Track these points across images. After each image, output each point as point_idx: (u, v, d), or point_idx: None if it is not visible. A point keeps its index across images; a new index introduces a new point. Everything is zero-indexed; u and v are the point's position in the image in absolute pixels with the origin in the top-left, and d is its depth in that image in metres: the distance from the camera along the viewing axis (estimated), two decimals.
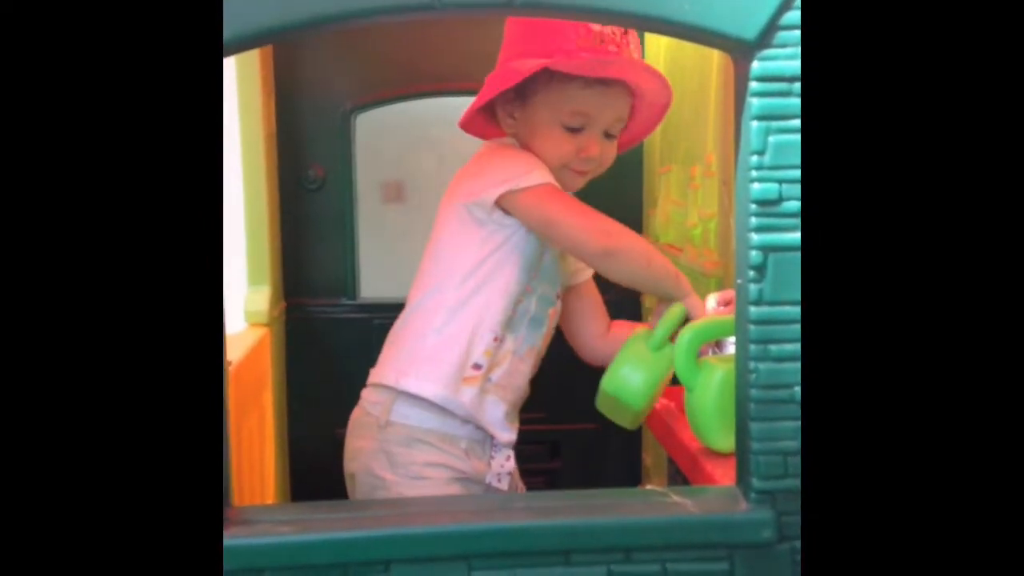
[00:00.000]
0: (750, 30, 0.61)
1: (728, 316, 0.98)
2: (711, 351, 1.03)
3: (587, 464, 1.76)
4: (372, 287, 1.75)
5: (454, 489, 1.05)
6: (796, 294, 0.63)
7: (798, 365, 0.63)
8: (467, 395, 1.05)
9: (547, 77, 1.02)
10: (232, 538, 0.62)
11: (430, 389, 1.04)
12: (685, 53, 1.37)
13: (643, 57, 1.21)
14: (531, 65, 1.00)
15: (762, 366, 0.65)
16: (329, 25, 0.59)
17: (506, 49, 1.08)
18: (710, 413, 0.89)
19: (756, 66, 0.62)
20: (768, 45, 0.62)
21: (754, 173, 0.63)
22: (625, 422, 1.02)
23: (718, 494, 0.70)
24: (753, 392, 0.65)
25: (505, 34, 1.08)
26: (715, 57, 1.24)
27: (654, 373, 0.98)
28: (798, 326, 0.63)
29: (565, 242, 1.03)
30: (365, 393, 1.11)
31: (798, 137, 0.62)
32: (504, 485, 1.10)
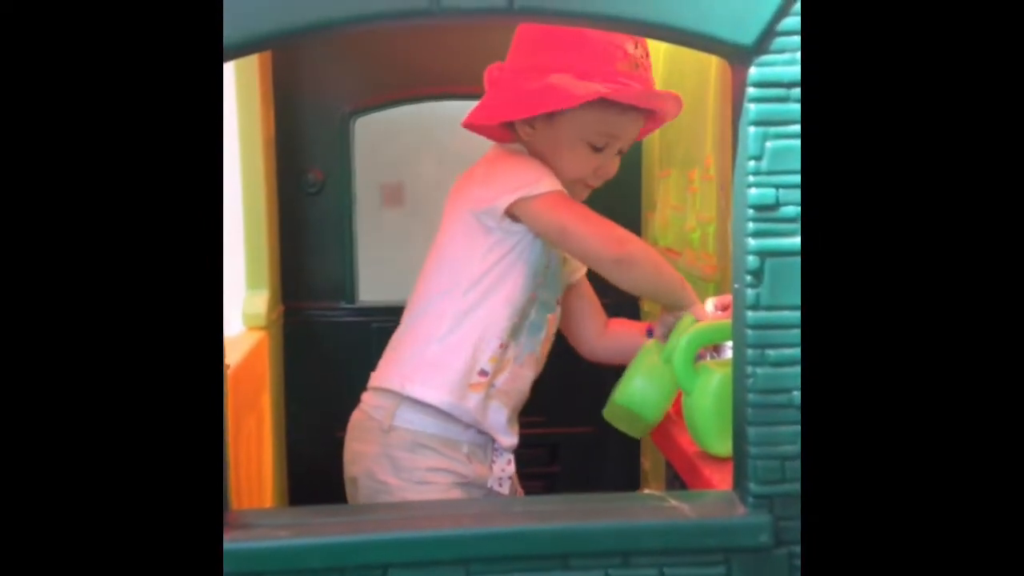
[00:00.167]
0: (748, 36, 0.62)
1: (726, 320, 0.98)
2: (709, 355, 1.03)
3: (585, 468, 1.76)
4: (371, 291, 1.75)
5: (457, 494, 1.05)
6: (793, 299, 0.63)
7: (796, 369, 0.64)
8: (473, 401, 1.05)
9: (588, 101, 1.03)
10: (230, 542, 0.62)
11: (436, 395, 1.04)
12: (684, 58, 1.37)
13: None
14: (588, 90, 1.00)
15: (759, 370, 0.65)
16: (329, 30, 0.59)
17: (534, 56, 1.06)
18: (708, 417, 0.89)
19: (754, 71, 0.62)
20: (766, 51, 0.62)
21: (751, 178, 0.64)
22: (634, 432, 1.03)
23: (716, 498, 0.70)
24: (751, 396, 0.65)
25: (529, 39, 1.07)
26: (714, 62, 1.24)
27: (667, 386, 0.98)
28: (795, 331, 0.63)
29: (577, 249, 1.03)
30: (367, 397, 1.11)
31: (796, 142, 0.62)
32: (505, 489, 1.10)
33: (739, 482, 0.68)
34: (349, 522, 0.65)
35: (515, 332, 1.07)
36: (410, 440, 1.05)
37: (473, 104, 1.11)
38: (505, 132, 1.13)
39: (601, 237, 0.99)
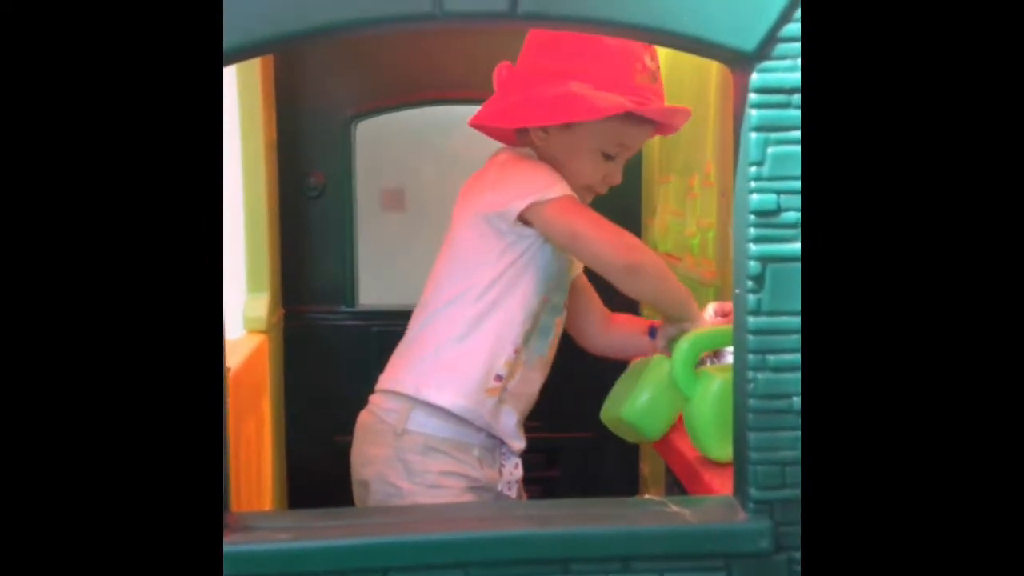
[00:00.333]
0: (749, 42, 0.62)
1: (726, 326, 0.98)
2: (709, 361, 1.03)
3: (584, 473, 1.76)
4: (371, 294, 1.75)
5: (469, 498, 1.05)
6: (794, 304, 0.63)
7: (796, 375, 0.64)
8: (487, 405, 1.06)
9: None
10: (230, 544, 0.62)
11: (452, 400, 1.04)
12: (684, 64, 1.37)
13: None
14: (613, 103, 1.01)
15: (760, 376, 0.65)
16: (332, 33, 0.59)
17: (551, 60, 1.06)
18: (708, 423, 0.89)
19: (755, 78, 0.63)
20: (767, 57, 0.62)
21: (753, 184, 0.64)
22: (632, 439, 1.03)
23: (716, 504, 0.70)
24: (751, 402, 0.65)
25: (546, 42, 1.07)
26: (714, 68, 1.24)
27: (675, 404, 0.98)
28: (796, 336, 0.63)
29: (588, 255, 1.03)
30: (376, 399, 1.11)
31: (797, 148, 0.62)
32: (513, 493, 1.10)
33: (739, 487, 0.68)
34: (349, 525, 0.65)
35: (528, 336, 1.07)
36: (423, 444, 1.05)
37: (475, 109, 1.11)
38: (512, 134, 1.13)
39: (612, 243, 1.00)
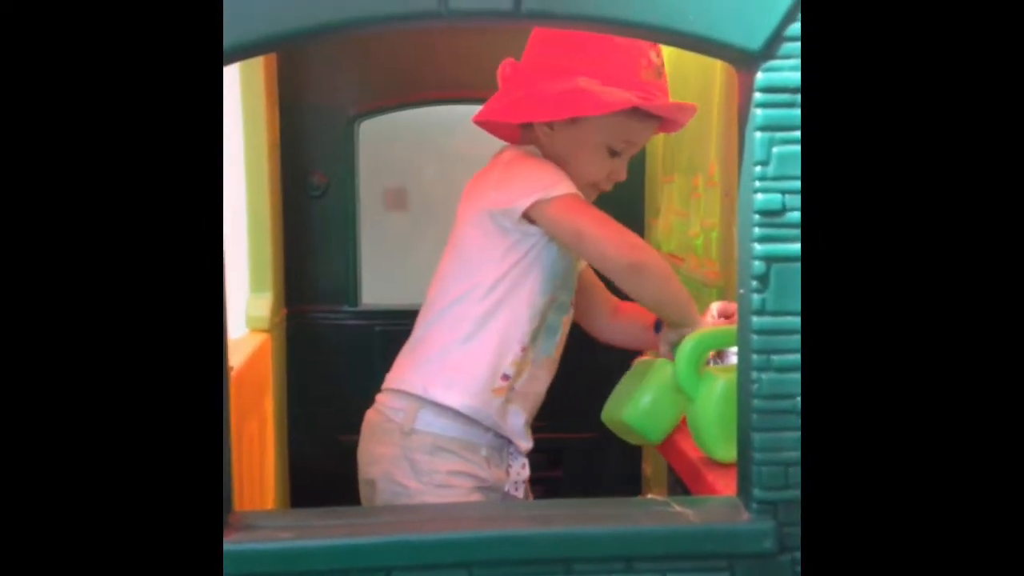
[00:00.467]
0: (755, 41, 0.62)
1: (729, 326, 0.98)
2: (712, 361, 1.03)
3: (587, 473, 1.75)
4: (374, 294, 1.75)
5: (476, 498, 1.05)
6: (799, 304, 0.63)
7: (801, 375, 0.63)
8: (495, 405, 1.05)
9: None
10: (233, 543, 0.62)
11: (459, 400, 1.04)
12: (688, 63, 1.37)
13: None
14: (620, 98, 1.01)
15: (764, 376, 0.65)
16: (337, 32, 0.59)
17: (557, 56, 1.06)
18: (712, 423, 0.89)
19: (760, 77, 0.62)
20: (772, 56, 0.62)
21: (757, 183, 0.64)
22: (634, 442, 1.03)
23: (719, 504, 0.70)
24: (755, 402, 0.65)
25: (551, 39, 1.07)
26: (718, 67, 1.24)
27: (677, 409, 0.98)
28: (801, 336, 0.63)
29: (592, 253, 1.03)
30: (383, 398, 1.11)
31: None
32: (520, 493, 1.10)
33: (743, 488, 0.68)
34: (352, 524, 0.65)
35: (535, 336, 1.07)
36: (431, 443, 1.04)
37: (478, 108, 1.11)
38: (516, 131, 1.13)
39: (617, 242, 0.99)
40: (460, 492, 1.04)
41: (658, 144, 1.63)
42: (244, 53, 0.59)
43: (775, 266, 0.64)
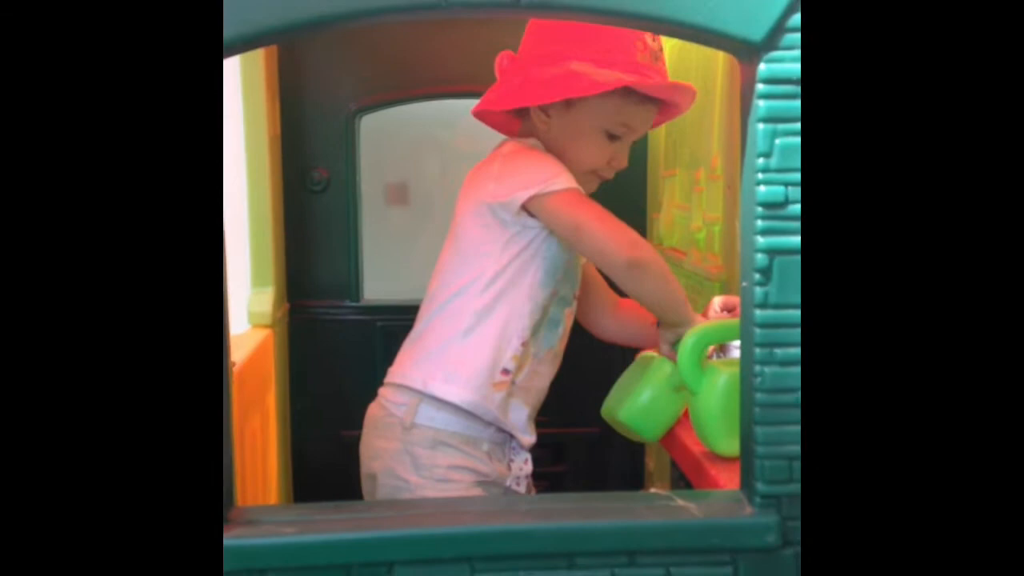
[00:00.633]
0: (757, 32, 0.61)
1: (732, 320, 0.98)
2: (715, 355, 1.02)
3: (590, 468, 1.75)
4: (375, 289, 1.75)
5: (477, 493, 1.05)
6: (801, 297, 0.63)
7: None
8: (495, 400, 1.05)
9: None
10: (236, 538, 0.62)
11: (459, 394, 1.04)
12: (689, 56, 1.37)
13: None
14: (612, 78, 1.00)
15: (767, 370, 0.64)
16: (338, 24, 0.59)
17: (551, 44, 1.05)
18: (715, 417, 0.88)
19: (763, 68, 0.62)
20: (775, 47, 0.62)
21: (760, 176, 0.63)
22: (632, 439, 1.03)
23: (722, 498, 0.70)
24: (758, 396, 0.65)
25: (545, 27, 1.07)
26: (720, 60, 1.23)
27: (674, 409, 0.98)
28: (800, 330, 0.63)
29: (591, 249, 1.02)
30: (385, 392, 1.10)
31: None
32: (522, 489, 1.10)
33: (746, 482, 0.68)
34: (355, 519, 0.65)
35: (536, 329, 1.06)
36: (431, 437, 1.04)
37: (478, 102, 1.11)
38: (515, 122, 1.12)
39: (616, 238, 0.99)
40: (460, 487, 1.04)
41: (660, 138, 1.63)
42: (246, 45, 0.59)
43: (778, 259, 0.63)
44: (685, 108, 1.11)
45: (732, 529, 0.65)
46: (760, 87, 0.62)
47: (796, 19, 0.61)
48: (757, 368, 0.64)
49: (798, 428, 0.64)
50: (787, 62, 0.62)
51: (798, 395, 0.64)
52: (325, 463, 1.68)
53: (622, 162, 1.09)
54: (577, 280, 1.12)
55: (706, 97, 1.31)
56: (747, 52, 0.63)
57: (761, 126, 0.63)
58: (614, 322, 1.19)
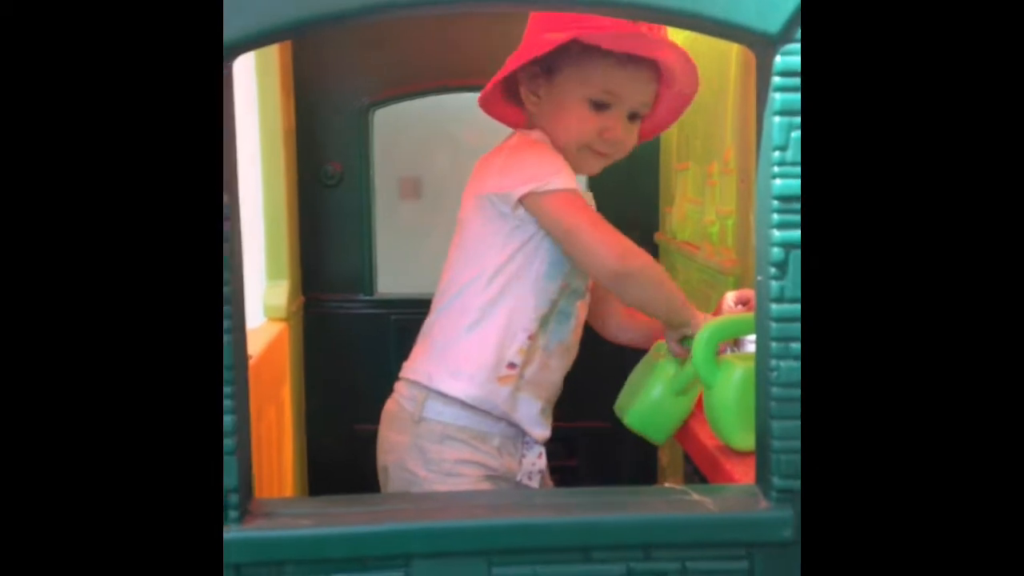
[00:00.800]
0: (773, 24, 0.61)
1: (746, 314, 0.98)
2: (729, 349, 1.02)
3: (603, 462, 1.76)
4: (389, 283, 1.75)
5: (485, 487, 1.04)
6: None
7: None
8: (502, 394, 1.04)
9: (577, 51, 1.01)
10: (253, 530, 0.62)
11: (463, 389, 1.04)
12: (702, 49, 1.36)
13: None
14: (561, 36, 0.98)
15: (783, 364, 0.64)
16: (358, 19, 0.59)
17: (532, 27, 1.05)
18: (730, 411, 0.88)
19: (779, 60, 0.62)
20: (791, 39, 0.61)
21: (776, 169, 0.63)
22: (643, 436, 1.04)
23: (738, 492, 0.70)
24: (774, 390, 0.64)
25: (538, 16, 1.06)
26: (734, 53, 1.23)
27: (680, 414, 0.98)
28: (801, 325, 0.62)
29: (579, 254, 1.01)
30: (399, 386, 1.11)
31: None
32: (535, 483, 1.09)
33: (762, 476, 0.68)
34: (372, 512, 0.65)
35: (544, 322, 1.05)
36: (439, 432, 1.04)
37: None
38: (519, 113, 1.12)
39: (604, 248, 0.97)
40: (468, 481, 1.04)
41: (672, 132, 1.62)
42: (265, 40, 0.59)
43: (793, 252, 0.63)
44: (682, 72, 1.06)
45: (748, 523, 0.65)
46: (776, 80, 0.62)
47: None
48: (773, 362, 0.64)
49: None
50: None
51: None
52: (339, 455, 1.69)
53: (616, 133, 1.05)
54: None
55: (719, 91, 1.30)
56: (763, 45, 0.63)
57: (777, 119, 0.62)
58: (625, 326, 1.18)
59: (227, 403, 0.61)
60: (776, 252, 0.63)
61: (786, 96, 0.62)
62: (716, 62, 1.32)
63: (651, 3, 0.60)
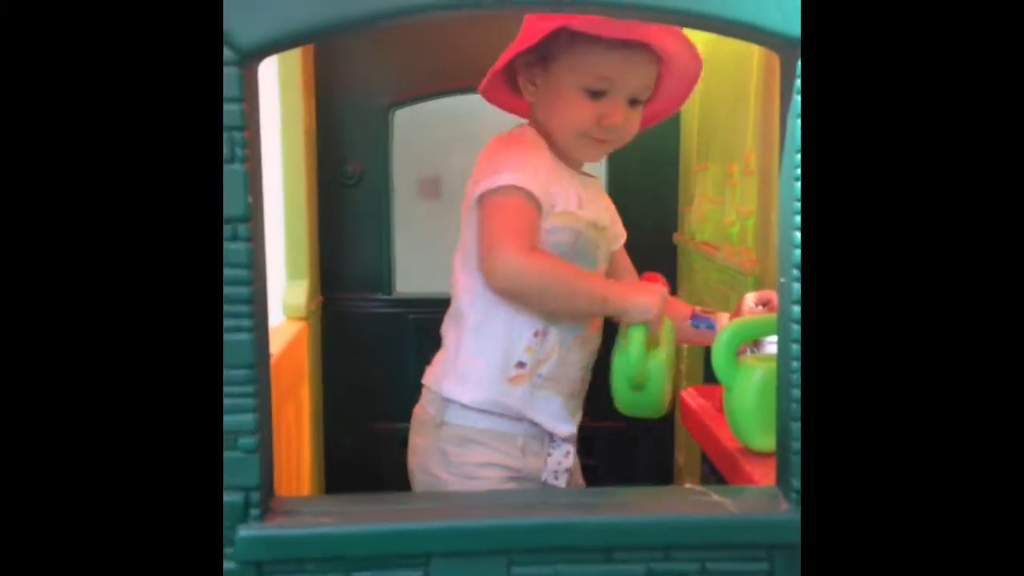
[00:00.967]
0: (796, 27, 0.61)
1: (767, 316, 0.97)
2: (749, 351, 1.02)
3: (619, 461, 1.76)
4: (407, 282, 1.76)
5: (508, 488, 1.03)
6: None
7: None
8: (515, 395, 1.03)
9: (569, 39, 0.99)
10: (274, 528, 0.63)
11: (471, 395, 1.03)
12: (723, 51, 1.36)
13: None
14: (549, 24, 0.97)
15: None
16: (380, 23, 0.59)
17: (530, 16, 1.04)
18: (750, 413, 0.88)
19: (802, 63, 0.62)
20: None
21: (798, 171, 0.63)
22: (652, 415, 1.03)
23: (758, 494, 0.69)
24: (795, 392, 0.64)
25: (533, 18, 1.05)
26: (755, 55, 1.23)
27: (657, 388, 0.98)
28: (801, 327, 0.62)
29: (479, 255, 0.99)
30: (423, 391, 1.10)
31: None
32: (561, 483, 1.07)
33: (782, 478, 0.68)
34: (393, 510, 0.65)
35: (553, 317, 1.03)
36: (460, 435, 1.03)
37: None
38: (520, 101, 1.10)
39: (499, 261, 0.94)
40: (490, 483, 1.03)
41: (692, 132, 1.62)
42: (291, 43, 0.60)
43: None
44: (681, 55, 1.02)
45: (768, 525, 0.65)
46: (799, 82, 0.62)
47: None
48: (794, 364, 0.64)
49: None
50: None
51: None
52: (356, 454, 1.69)
53: (615, 119, 1.02)
54: (599, 260, 1.08)
55: (741, 91, 1.30)
56: (786, 47, 0.63)
57: (800, 121, 0.62)
58: None
59: (249, 401, 0.62)
60: (798, 254, 0.63)
61: None
62: (738, 64, 1.31)
63: (676, 7, 0.60)
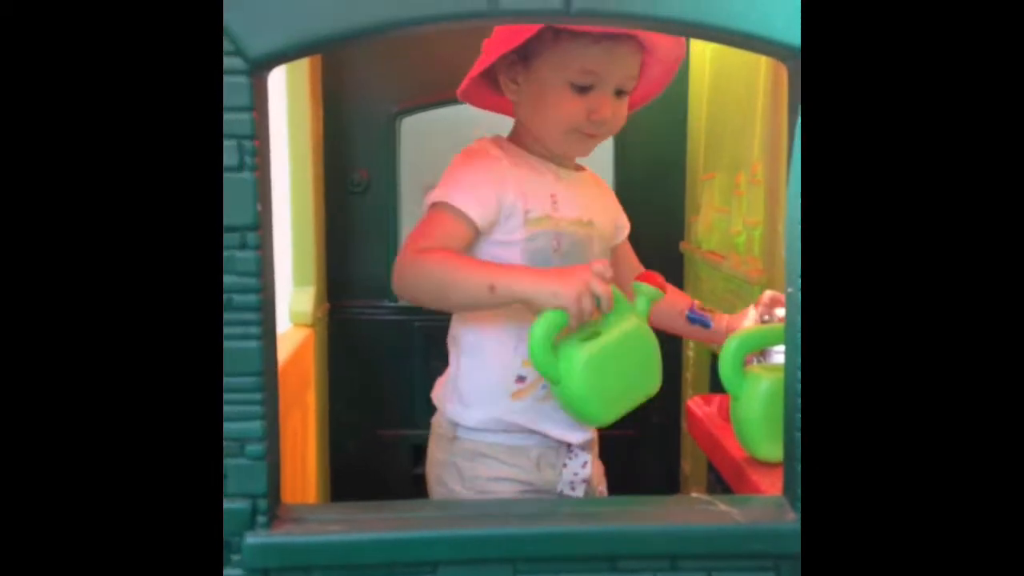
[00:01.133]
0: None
1: (774, 325, 0.97)
2: (756, 360, 1.02)
3: (625, 470, 1.75)
4: None
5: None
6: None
7: None
8: (519, 409, 1.01)
9: (552, 36, 0.97)
10: (282, 535, 0.63)
11: (476, 417, 1.02)
12: (731, 61, 1.36)
13: (687, 56, 1.17)
14: (536, 25, 0.94)
15: None
16: (386, 32, 0.59)
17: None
18: (756, 422, 0.88)
19: None
20: None
21: None
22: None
23: (765, 503, 0.69)
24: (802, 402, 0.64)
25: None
26: (762, 66, 1.23)
27: (578, 388, 0.88)
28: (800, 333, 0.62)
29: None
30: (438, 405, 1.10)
31: None
32: (578, 493, 1.05)
33: (789, 487, 0.67)
34: (400, 519, 0.65)
35: None
36: (472, 449, 1.03)
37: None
38: (500, 99, 1.09)
39: (400, 263, 0.96)
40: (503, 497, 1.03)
41: (699, 142, 1.63)
42: (298, 53, 0.60)
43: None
44: (665, 46, 1.01)
45: (775, 535, 0.65)
46: None
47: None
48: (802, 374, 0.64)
49: None
50: None
51: None
52: (361, 462, 1.69)
53: (603, 113, 1.00)
54: (594, 258, 1.03)
55: (748, 101, 1.30)
56: (792, 57, 0.63)
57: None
58: None
59: (257, 408, 0.62)
60: None
61: None
62: (744, 73, 1.32)
63: (681, 18, 0.61)
